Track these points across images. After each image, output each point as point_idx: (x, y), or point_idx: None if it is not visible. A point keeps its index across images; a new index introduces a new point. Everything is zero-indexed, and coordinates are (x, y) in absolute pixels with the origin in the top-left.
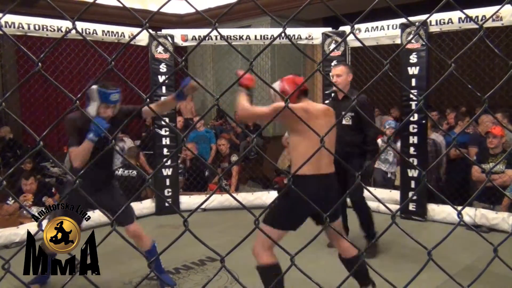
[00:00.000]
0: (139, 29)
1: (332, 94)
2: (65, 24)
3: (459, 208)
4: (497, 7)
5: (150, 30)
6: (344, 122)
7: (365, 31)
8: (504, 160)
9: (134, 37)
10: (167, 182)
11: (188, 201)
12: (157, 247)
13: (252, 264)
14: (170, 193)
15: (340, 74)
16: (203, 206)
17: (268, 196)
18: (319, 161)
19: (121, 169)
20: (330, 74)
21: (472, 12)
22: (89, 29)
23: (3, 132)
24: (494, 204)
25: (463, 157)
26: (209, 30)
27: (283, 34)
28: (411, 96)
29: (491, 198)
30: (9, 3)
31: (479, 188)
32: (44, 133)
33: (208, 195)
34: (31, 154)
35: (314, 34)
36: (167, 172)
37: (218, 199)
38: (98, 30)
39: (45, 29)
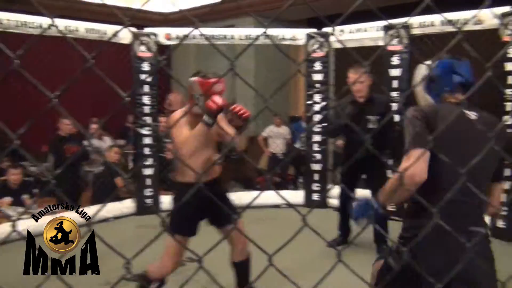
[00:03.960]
0: (122, 27)
1: (315, 98)
2: (47, 21)
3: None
4: (477, 10)
5: (132, 28)
6: (370, 126)
7: (349, 33)
8: None
9: (115, 34)
10: (148, 181)
11: (169, 200)
12: (137, 248)
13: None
14: (151, 193)
15: (362, 80)
16: None
17: (250, 196)
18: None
19: (99, 168)
20: (349, 78)
21: (453, 15)
22: (70, 27)
23: None
24: None
25: None
26: (192, 29)
27: (265, 34)
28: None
29: None
30: None
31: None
32: (21, 131)
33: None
34: (7, 153)
35: (298, 35)
36: (148, 171)
37: None
38: (80, 27)
39: (25, 26)
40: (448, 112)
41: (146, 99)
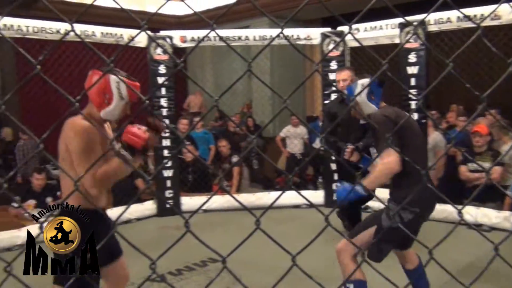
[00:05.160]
0: (137, 31)
1: (332, 97)
2: (64, 26)
3: (459, 207)
4: (495, 6)
5: (148, 32)
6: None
7: (364, 31)
8: (490, 158)
9: (133, 38)
10: (168, 183)
11: (189, 202)
12: (159, 249)
13: (254, 264)
14: (171, 195)
15: (346, 78)
16: (204, 207)
17: (269, 197)
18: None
19: None
20: (335, 79)
21: (470, 11)
22: (87, 31)
23: (4, 134)
24: (490, 202)
25: (453, 156)
26: (208, 31)
27: (281, 35)
28: (410, 95)
29: (492, 197)
30: (6, 5)
31: (477, 188)
32: (45, 135)
33: (208, 197)
34: (32, 157)
35: (313, 34)
36: (168, 173)
37: (220, 201)
38: (96, 32)
39: (43, 32)
40: (400, 112)
41: (163, 102)
